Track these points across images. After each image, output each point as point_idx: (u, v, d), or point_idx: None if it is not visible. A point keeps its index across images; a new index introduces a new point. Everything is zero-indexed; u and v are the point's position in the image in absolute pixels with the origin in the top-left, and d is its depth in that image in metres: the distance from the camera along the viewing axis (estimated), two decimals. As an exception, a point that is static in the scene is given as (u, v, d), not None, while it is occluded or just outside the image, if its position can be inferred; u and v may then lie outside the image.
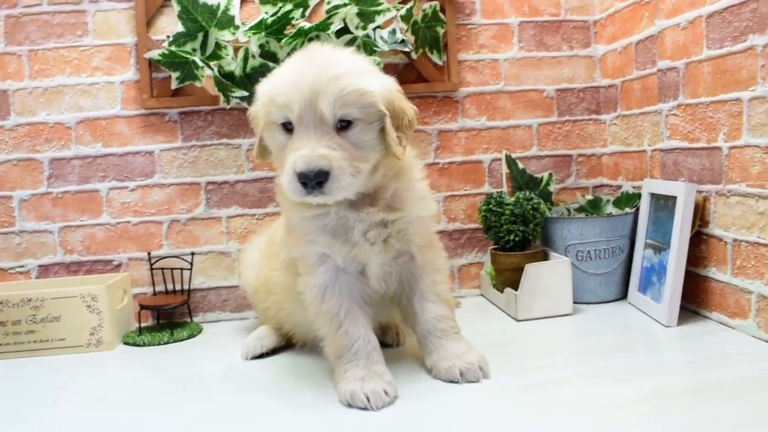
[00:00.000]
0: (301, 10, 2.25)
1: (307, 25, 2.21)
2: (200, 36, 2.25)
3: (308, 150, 1.48)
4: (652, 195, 2.19)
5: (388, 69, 2.22)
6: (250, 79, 2.24)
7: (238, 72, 2.25)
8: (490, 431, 1.36)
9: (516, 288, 2.16)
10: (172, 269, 2.39)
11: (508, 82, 2.54)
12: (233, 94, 2.25)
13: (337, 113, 1.50)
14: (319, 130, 1.50)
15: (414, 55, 2.41)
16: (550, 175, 2.47)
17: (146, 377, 1.89)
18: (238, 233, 2.44)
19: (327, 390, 1.63)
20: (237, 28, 2.26)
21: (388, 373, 1.60)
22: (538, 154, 2.58)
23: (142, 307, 2.26)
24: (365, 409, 1.49)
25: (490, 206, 2.26)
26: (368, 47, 2.26)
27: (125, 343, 2.20)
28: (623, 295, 2.30)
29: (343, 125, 1.52)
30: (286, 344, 2.02)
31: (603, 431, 1.33)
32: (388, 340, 1.98)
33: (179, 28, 2.24)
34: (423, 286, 1.71)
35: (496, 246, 2.33)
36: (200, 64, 2.22)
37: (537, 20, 2.55)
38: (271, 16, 2.21)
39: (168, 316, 2.30)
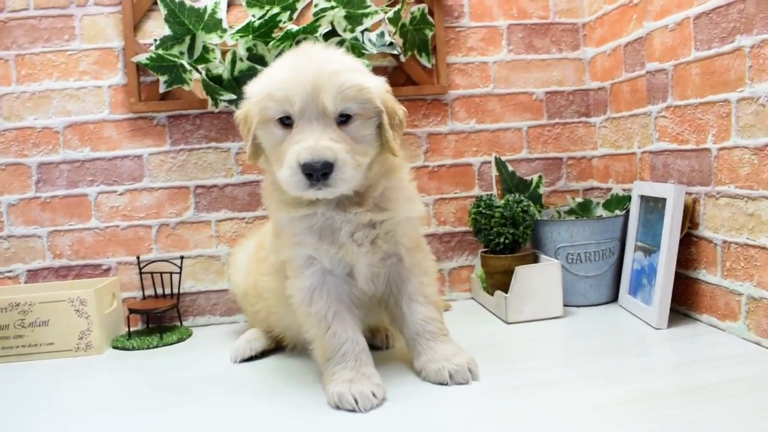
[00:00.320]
0: (288, 13, 2.25)
1: (294, 28, 2.21)
2: (187, 39, 2.24)
3: (312, 142, 1.48)
4: (642, 197, 2.19)
5: (376, 72, 2.18)
6: (238, 83, 2.23)
7: (226, 75, 2.25)
8: (478, 433, 1.36)
9: (506, 291, 2.16)
10: (162, 273, 2.38)
11: (497, 85, 2.54)
12: (221, 98, 2.24)
13: (338, 107, 1.52)
14: (321, 123, 1.51)
15: (403, 58, 2.41)
16: (540, 177, 2.47)
17: (135, 381, 1.88)
18: (228, 237, 2.43)
19: (316, 392, 1.63)
20: (224, 31, 2.26)
21: (377, 375, 1.59)
22: (528, 157, 2.58)
23: (132, 311, 2.25)
24: (353, 411, 1.48)
25: (480, 209, 2.26)
26: (356, 50, 2.25)
27: (114, 348, 2.19)
28: (613, 298, 2.30)
29: (343, 120, 1.54)
30: (275, 347, 2.01)
31: (592, 433, 1.32)
32: (377, 342, 1.98)
33: (166, 31, 2.24)
34: (411, 288, 1.71)
35: (486, 249, 2.32)
36: (188, 67, 2.22)
37: (526, 23, 2.55)
38: (259, 19, 2.21)
39: (157, 320, 2.29)
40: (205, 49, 2.25)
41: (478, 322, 2.21)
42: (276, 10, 2.22)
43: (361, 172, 1.56)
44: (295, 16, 2.28)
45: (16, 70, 2.33)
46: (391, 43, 2.34)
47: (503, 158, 2.47)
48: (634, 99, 2.29)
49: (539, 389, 1.56)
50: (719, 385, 1.50)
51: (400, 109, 1.65)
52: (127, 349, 2.16)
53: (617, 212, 2.32)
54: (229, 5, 2.34)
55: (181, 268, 2.38)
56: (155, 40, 2.25)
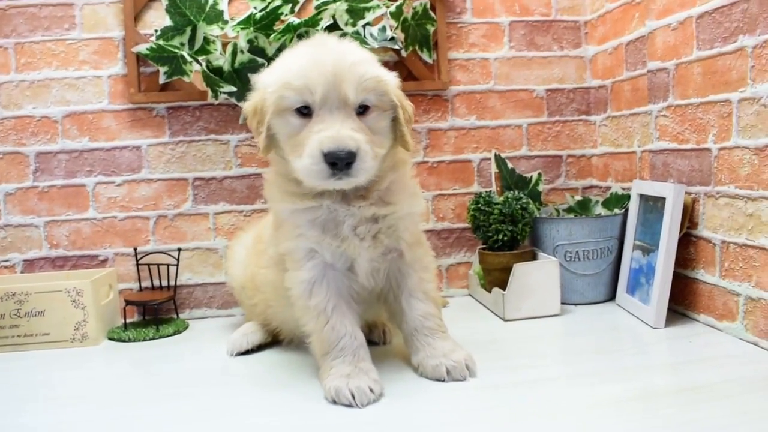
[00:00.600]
0: (290, 5, 2.24)
1: (296, 20, 2.20)
2: (188, 30, 2.23)
3: (334, 131, 1.48)
4: (641, 196, 2.19)
5: (377, 66, 2.21)
6: (238, 75, 2.23)
7: (226, 67, 2.24)
8: (476, 430, 1.35)
9: (504, 288, 2.15)
10: (159, 265, 2.37)
11: (498, 82, 2.54)
12: (221, 90, 2.23)
13: (359, 97, 1.53)
14: (342, 112, 1.52)
15: (404, 53, 2.41)
16: (540, 175, 2.47)
17: (131, 373, 1.87)
18: (226, 229, 2.42)
19: (312, 386, 1.62)
20: (225, 22, 2.25)
21: (374, 370, 1.59)
22: (528, 154, 2.57)
23: (128, 302, 2.24)
24: (350, 406, 1.48)
25: (479, 206, 2.25)
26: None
27: (110, 339, 2.18)
28: (611, 297, 2.30)
29: (360, 111, 1.55)
30: (271, 341, 2.01)
31: (589, 431, 1.32)
32: (374, 337, 1.97)
33: (167, 22, 2.22)
34: (411, 284, 1.71)
35: (484, 245, 2.32)
36: (188, 58, 2.21)
37: (528, 20, 2.54)
38: (260, 11, 2.20)
39: (154, 312, 2.29)
40: (206, 40, 2.24)
41: (475, 318, 2.21)
42: (278, 2, 2.21)
43: (377, 163, 1.56)
44: (296, 8, 2.28)
45: (15, 58, 2.32)
46: (392, 38, 2.33)
47: (503, 155, 2.47)
48: (635, 98, 2.29)
49: (536, 387, 1.56)
50: (716, 385, 1.50)
51: (409, 105, 1.66)
52: (123, 341, 2.15)
53: (616, 211, 2.31)
54: (231, -3, 2.33)
55: (178, 260, 2.37)
56: (156, 31, 2.24)
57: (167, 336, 2.19)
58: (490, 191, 2.32)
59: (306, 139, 1.50)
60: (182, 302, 2.42)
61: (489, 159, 2.52)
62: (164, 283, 2.38)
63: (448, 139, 2.52)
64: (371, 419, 1.43)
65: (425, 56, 2.44)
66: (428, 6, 2.40)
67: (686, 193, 1.99)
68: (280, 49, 2.23)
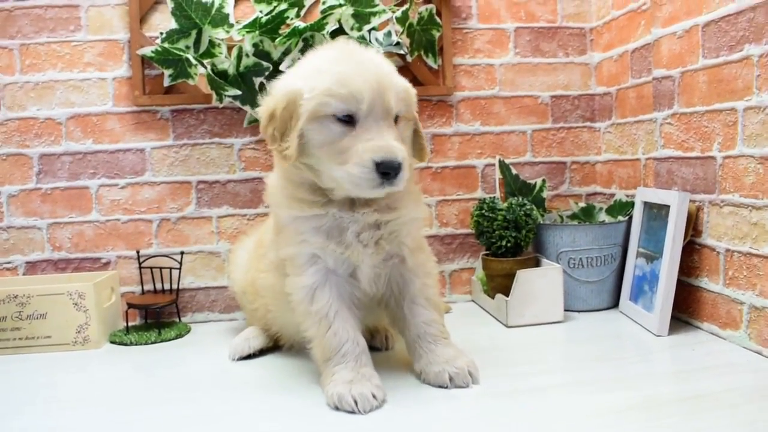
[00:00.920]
0: (296, 9, 2.25)
1: (301, 25, 2.20)
2: (194, 33, 2.24)
3: (385, 141, 1.50)
4: (645, 204, 2.18)
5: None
6: (243, 78, 2.23)
7: (231, 70, 2.24)
8: (478, 437, 1.35)
9: (507, 294, 2.15)
10: (161, 268, 2.37)
11: (503, 88, 2.54)
12: (226, 93, 2.23)
13: (397, 107, 1.56)
14: (386, 122, 1.54)
15: (409, 58, 2.40)
16: (544, 181, 2.46)
17: (132, 376, 1.87)
18: (229, 233, 2.42)
19: (314, 392, 1.62)
20: (231, 26, 2.25)
21: (377, 376, 1.58)
22: (532, 161, 2.57)
23: (130, 305, 2.24)
24: (352, 412, 1.48)
25: (483, 211, 2.25)
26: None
27: (112, 342, 2.18)
28: (614, 304, 2.29)
29: (394, 120, 1.58)
30: (273, 345, 2.00)
31: (592, 439, 1.32)
32: (376, 343, 1.97)
33: (173, 25, 2.23)
34: (413, 290, 1.70)
35: (487, 251, 2.32)
36: (193, 61, 2.21)
37: (533, 26, 2.54)
38: (266, 15, 2.20)
39: (156, 315, 2.28)
40: (211, 43, 2.25)
41: (478, 324, 2.20)
42: (284, 6, 2.22)
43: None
44: (302, 13, 2.28)
45: (20, 59, 2.32)
46: (397, 43, 2.33)
47: (507, 161, 2.47)
48: (640, 105, 2.28)
49: (539, 394, 1.55)
50: (720, 393, 1.49)
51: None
52: (125, 344, 2.15)
53: (620, 218, 2.31)
54: (237, 0, 2.33)
55: (180, 263, 2.37)
56: (161, 33, 2.24)
57: (169, 340, 2.19)
58: (494, 197, 2.32)
59: (351, 148, 1.50)
60: (184, 306, 2.41)
61: (493, 165, 2.52)
62: (167, 286, 2.37)
63: (453, 145, 2.51)
64: (373, 426, 1.42)
65: (430, 61, 2.43)
66: (434, 11, 2.40)
67: (690, 201, 1.99)
68: (285, 53, 2.24)
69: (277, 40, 2.22)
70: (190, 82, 2.26)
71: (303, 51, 2.20)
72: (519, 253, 2.26)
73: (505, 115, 2.54)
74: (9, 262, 2.35)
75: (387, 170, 1.48)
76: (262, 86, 2.25)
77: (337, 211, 1.60)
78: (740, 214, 1.81)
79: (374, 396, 1.50)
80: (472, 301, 2.52)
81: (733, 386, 1.54)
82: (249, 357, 1.95)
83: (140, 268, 2.36)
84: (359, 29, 2.27)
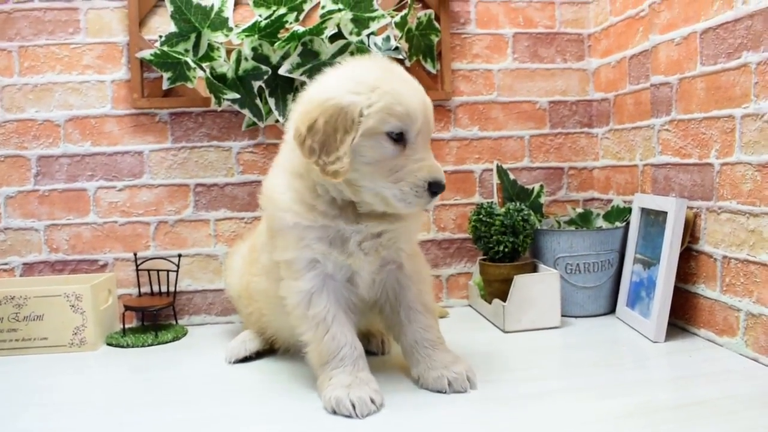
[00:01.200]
0: (295, 14, 2.25)
1: (300, 29, 2.20)
2: (193, 37, 2.24)
3: (433, 162, 1.58)
4: (643, 210, 2.19)
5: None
6: (242, 82, 2.23)
7: (230, 74, 2.24)
8: (475, 443, 1.35)
9: (504, 299, 2.15)
10: (159, 271, 2.37)
11: (501, 93, 2.54)
12: (225, 96, 2.23)
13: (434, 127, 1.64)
14: (428, 143, 1.60)
15: (407, 63, 2.40)
16: (541, 186, 2.47)
17: (129, 379, 1.87)
18: (226, 236, 2.42)
19: (311, 396, 1.62)
20: (230, 30, 2.25)
21: (374, 380, 1.58)
22: (530, 166, 2.57)
23: (127, 308, 2.24)
24: (350, 416, 1.47)
25: (480, 216, 2.25)
26: (362, 53, 2.25)
27: (109, 344, 2.17)
28: (611, 310, 2.29)
29: None
30: (270, 349, 2.00)
31: (589, 445, 1.32)
32: (373, 347, 1.97)
33: (172, 28, 2.23)
34: (410, 296, 1.71)
35: (485, 256, 2.32)
36: (192, 65, 2.21)
37: (531, 32, 2.55)
38: (265, 19, 2.20)
39: (153, 317, 2.28)
40: (210, 47, 2.25)
41: (475, 329, 2.20)
42: (283, 10, 2.22)
43: None
44: (301, 17, 2.28)
45: (18, 61, 2.32)
46: (396, 48, 2.33)
47: (505, 166, 2.47)
48: (638, 111, 2.29)
49: (536, 400, 1.55)
50: (716, 400, 1.50)
51: None
52: (122, 347, 2.15)
53: (617, 224, 2.31)
54: (236, 4, 2.33)
55: (178, 266, 2.37)
56: (160, 37, 2.24)
57: (166, 342, 2.18)
58: (492, 202, 2.32)
59: (404, 167, 1.53)
60: (181, 308, 2.41)
61: (491, 170, 2.52)
62: (164, 288, 2.37)
63: (450, 150, 2.52)
64: (371, 430, 1.42)
65: (429, 66, 2.44)
66: (433, 16, 2.40)
67: (688, 207, 1.99)
68: (284, 57, 2.24)
69: (276, 44, 2.22)
70: (189, 85, 2.26)
71: (301, 55, 2.20)
72: (516, 258, 2.26)
73: (503, 120, 2.54)
74: (6, 264, 2.35)
75: (437, 190, 1.54)
76: (260, 90, 2.25)
77: (343, 223, 1.60)
78: (737, 221, 1.81)
79: (372, 400, 1.50)
80: (469, 305, 2.52)
81: (730, 393, 1.54)
82: (245, 360, 1.95)
83: (137, 270, 2.36)
84: (358, 34, 2.27)
